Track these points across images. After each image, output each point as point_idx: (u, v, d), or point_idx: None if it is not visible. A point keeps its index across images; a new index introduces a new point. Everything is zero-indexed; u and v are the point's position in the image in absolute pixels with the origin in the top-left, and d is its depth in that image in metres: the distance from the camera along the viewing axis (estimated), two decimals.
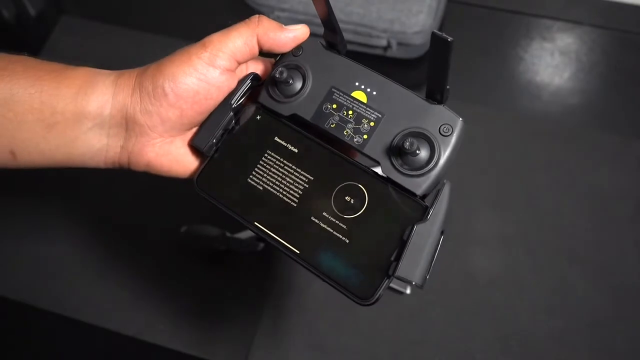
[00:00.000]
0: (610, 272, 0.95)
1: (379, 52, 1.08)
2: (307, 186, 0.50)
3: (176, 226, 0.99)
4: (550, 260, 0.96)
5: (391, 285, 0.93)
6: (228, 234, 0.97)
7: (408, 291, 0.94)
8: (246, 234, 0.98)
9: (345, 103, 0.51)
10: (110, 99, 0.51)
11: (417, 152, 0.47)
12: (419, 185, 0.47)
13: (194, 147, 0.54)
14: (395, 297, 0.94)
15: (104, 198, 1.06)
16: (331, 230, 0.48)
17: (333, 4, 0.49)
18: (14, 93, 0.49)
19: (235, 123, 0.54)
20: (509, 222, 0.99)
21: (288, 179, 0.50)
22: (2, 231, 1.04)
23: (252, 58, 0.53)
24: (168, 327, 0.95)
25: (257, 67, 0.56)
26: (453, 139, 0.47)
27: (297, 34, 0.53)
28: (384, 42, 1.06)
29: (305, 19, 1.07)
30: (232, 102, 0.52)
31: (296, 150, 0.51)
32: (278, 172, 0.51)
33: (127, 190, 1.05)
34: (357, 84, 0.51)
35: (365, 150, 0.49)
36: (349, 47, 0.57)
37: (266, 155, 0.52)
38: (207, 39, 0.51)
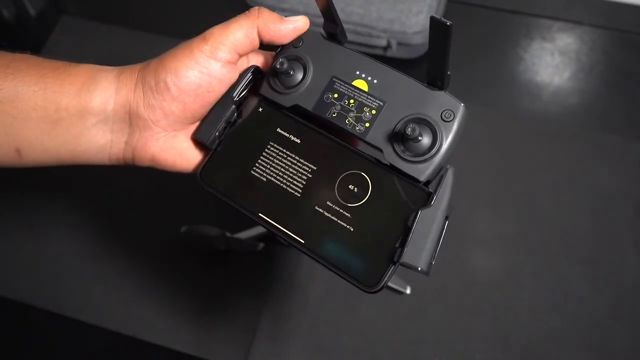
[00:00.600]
0: (610, 272, 0.95)
1: (378, 52, 1.09)
2: (310, 176, 0.50)
3: (176, 226, 0.99)
4: (550, 260, 0.96)
5: (391, 285, 0.93)
6: (228, 234, 0.97)
7: (408, 291, 0.94)
8: (246, 234, 0.98)
9: (346, 92, 0.51)
10: (113, 94, 0.51)
11: (419, 138, 0.47)
12: (422, 171, 0.47)
13: (197, 140, 0.54)
14: (395, 297, 0.94)
15: (104, 198, 1.06)
16: (335, 219, 0.48)
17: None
18: (18, 90, 0.49)
19: (238, 116, 0.54)
20: (509, 222, 0.99)
21: (291, 170, 0.50)
22: (2, 231, 1.04)
23: (253, 50, 0.53)
24: (168, 327, 0.95)
25: (258, 60, 0.56)
26: (455, 125, 0.47)
27: (297, 25, 0.53)
28: (384, 42, 1.06)
29: None
30: (234, 95, 0.52)
31: (299, 141, 0.51)
32: (281, 163, 0.51)
33: (127, 190, 1.05)
34: (357, 72, 0.51)
35: (368, 139, 0.49)
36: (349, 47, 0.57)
37: (269, 146, 0.52)
38: (207, 32, 0.51)
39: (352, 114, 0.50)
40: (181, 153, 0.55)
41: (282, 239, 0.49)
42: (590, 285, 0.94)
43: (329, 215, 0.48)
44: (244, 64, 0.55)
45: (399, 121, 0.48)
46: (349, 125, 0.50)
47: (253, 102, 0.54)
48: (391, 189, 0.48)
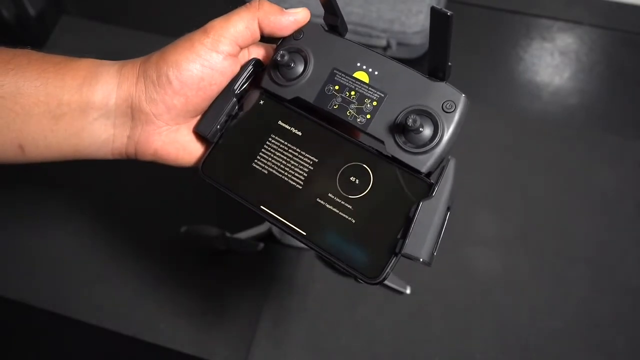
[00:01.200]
0: (610, 272, 0.95)
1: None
2: (311, 168, 0.50)
3: (176, 226, 0.99)
4: (550, 261, 0.96)
5: (391, 285, 0.93)
6: (228, 234, 0.97)
7: (408, 291, 0.94)
8: (246, 234, 0.98)
9: (347, 84, 0.50)
10: (115, 88, 0.51)
11: (421, 129, 0.47)
12: (424, 162, 0.47)
13: (199, 133, 0.53)
14: (395, 297, 0.94)
15: (105, 198, 1.06)
16: (337, 211, 0.48)
17: None
18: (19, 86, 0.49)
19: (239, 109, 0.53)
20: (509, 222, 0.99)
21: (293, 162, 0.50)
22: (2, 231, 1.04)
23: (254, 42, 0.53)
24: (168, 327, 0.95)
25: (259, 53, 0.55)
26: (456, 116, 0.47)
27: (297, 17, 0.53)
28: (383, 42, 1.06)
29: None
30: (235, 87, 0.52)
31: (300, 133, 0.51)
32: (282, 156, 0.51)
33: (127, 190, 1.05)
34: (358, 64, 0.51)
35: (369, 130, 0.49)
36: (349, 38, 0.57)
37: (270, 139, 0.52)
38: (208, 25, 0.51)
39: (353, 106, 0.50)
40: (184, 146, 0.54)
41: (284, 231, 0.49)
42: (590, 286, 0.94)
43: (331, 207, 0.48)
44: (245, 56, 0.55)
45: (400, 112, 0.48)
46: (350, 117, 0.50)
47: (254, 95, 0.54)
48: (392, 180, 0.48)
